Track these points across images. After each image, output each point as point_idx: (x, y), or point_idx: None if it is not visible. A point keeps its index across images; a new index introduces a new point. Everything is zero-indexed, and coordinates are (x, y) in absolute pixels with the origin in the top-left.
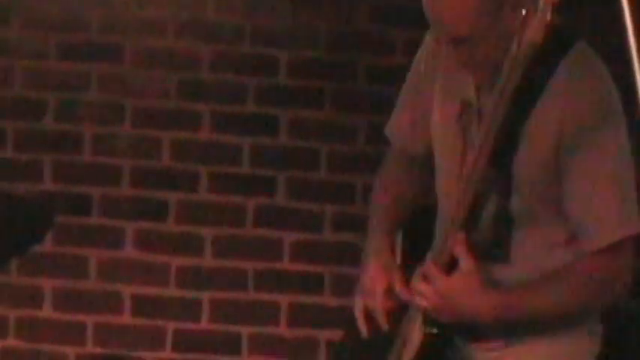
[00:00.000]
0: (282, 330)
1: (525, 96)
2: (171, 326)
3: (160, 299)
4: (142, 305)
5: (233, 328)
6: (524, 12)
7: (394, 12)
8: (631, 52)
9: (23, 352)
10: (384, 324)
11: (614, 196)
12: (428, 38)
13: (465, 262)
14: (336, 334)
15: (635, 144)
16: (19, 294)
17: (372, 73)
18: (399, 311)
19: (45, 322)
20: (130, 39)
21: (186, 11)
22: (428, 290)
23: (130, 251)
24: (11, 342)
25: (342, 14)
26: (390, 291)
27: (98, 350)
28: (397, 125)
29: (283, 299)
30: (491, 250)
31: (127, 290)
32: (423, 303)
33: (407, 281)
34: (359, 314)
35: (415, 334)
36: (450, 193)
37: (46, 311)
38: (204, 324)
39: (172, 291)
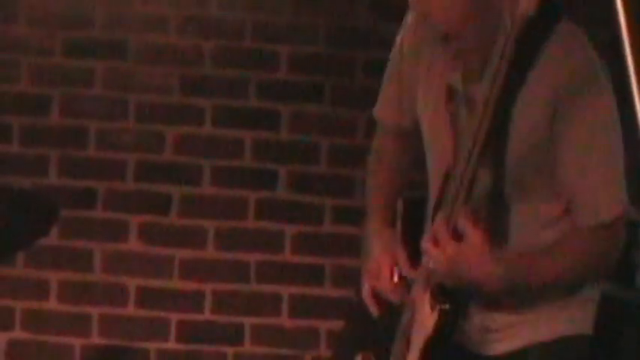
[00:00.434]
0: (284, 321)
1: (515, 72)
2: (174, 317)
3: (163, 291)
4: (146, 297)
5: (235, 319)
6: None
7: (392, 8)
8: (624, 45)
9: (29, 343)
10: (395, 299)
11: (608, 173)
12: (409, 18)
13: (473, 233)
14: (336, 325)
15: (625, 134)
16: (25, 286)
17: (371, 68)
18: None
19: (51, 314)
20: (133, 35)
21: (188, 8)
22: (439, 254)
23: (134, 244)
24: (17, 334)
25: (342, 10)
26: (394, 270)
27: (103, 341)
28: (384, 104)
29: (285, 290)
30: (486, 227)
31: (132, 282)
32: (430, 265)
33: (410, 258)
34: (367, 296)
35: (425, 312)
36: (441, 172)
37: (52, 303)
38: (207, 315)
39: (176, 283)
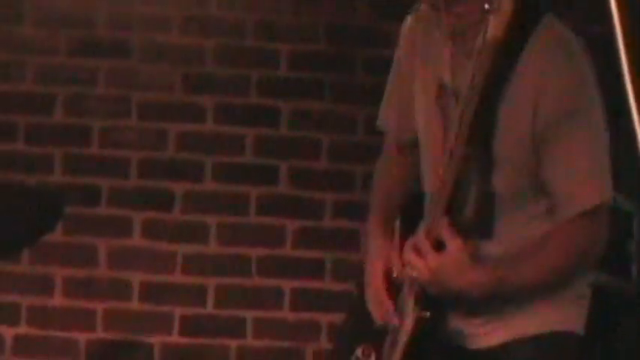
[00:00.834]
0: (286, 314)
1: (499, 72)
2: (178, 311)
3: (167, 286)
4: (149, 292)
5: (238, 313)
6: (486, 6)
7: (392, 6)
8: (617, 42)
9: (35, 338)
10: (389, 313)
11: (589, 164)
12: (405, 25)
13: (452, 243)
14: (337, 318)
15: (621, 127)
16: (31, 282)
17: (371, 65)
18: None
19: (56, 309)
20: (136, 35)
21: (190, 7)
22: (419, 263)
23: (137, 240)
24: (23, 329)
25: (342, 9)
26: (389, 276)
27: (108, 336)
28: (386, 117)
29: (286, 284)
30: (475, 227)
31: (136, 277)
32: (413, 274)
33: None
34: (369, 306)
35: (408, 315)
36: (434, 172)
37: (57, 299)
38: (210, 309)
39: (179, 278)
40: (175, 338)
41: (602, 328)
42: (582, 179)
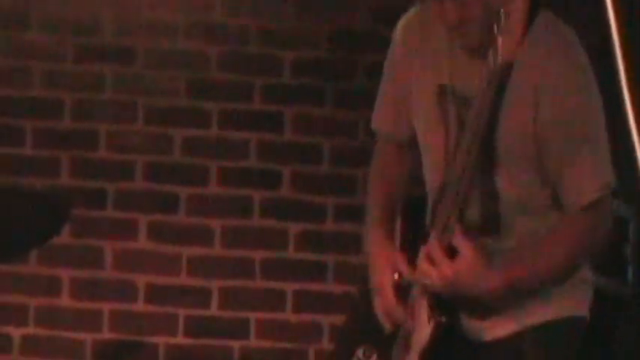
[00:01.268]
0: (288, 315)
1: (499, 73)
2: (182, 313)
3: (172, 287)
4: (155, 293)
5: (241, 314)
6: (495, 29)
7: (392, 14)
8: (614, 47)
9: (42, 338)
10: (399, 319)
11: (590, 157)
12: (399, 26)
13: (466, 250)
14: (338, 319)
15: (617, 130)
16: (39, 283)
17: (371, 71)
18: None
19: (63, 310)
20: (141, 41)
21: (195, 14)
22: (433, 273)
23: (143, 242)
24: (31, 329)
25: (343, 16)
26: (396, 278)
27: (114, 336)
28: (381, 116)
29: (289, 286)
30: (482, 224)
31: (141, 279)
32: (427, 282)
33: (410, 261)
34: (379, 314)
35: (423, 321)
36: (437, 173)
37: (64, 300)
38: (214, 310)
39: (184, 279)
40: (180, 339)
41: (600, 330)
42: (586, 173)
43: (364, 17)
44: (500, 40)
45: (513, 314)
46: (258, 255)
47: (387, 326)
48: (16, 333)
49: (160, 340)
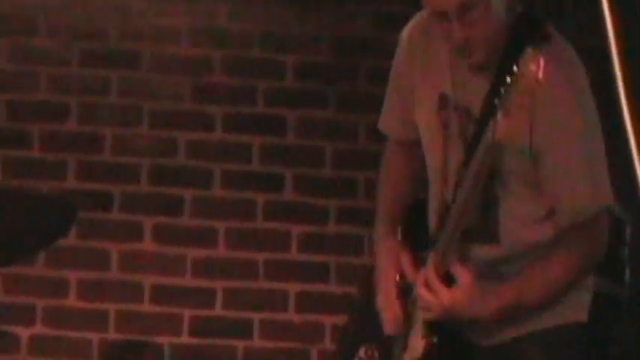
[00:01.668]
0: (291, 316)
1: (497, 83)
2: (187, 313)
3: (177, 288)
4: (160, 294)
5: (245, 315)
6: (515, 68)
7: (392, 19)
8: (612, 53)
9: (50, 338)
10: (399, 318)
11: (585, 174)
12: (403, 35)
13: (463, 279)
14: (340, 319)
15: (614, 139)
16: (46, 284)
17: (373, 75)
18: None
19: (70, 310)
20: (146, 46)
21: (199, 20)
22: (432, 301)
23: (148, 244)
24: (39, 329)
25: (345, 21)
26: (397, 279)
27: (120, 336)
28: (388, 119)
29: (291, 287)
30: (480, 232)
31: (147, 280)
32: (427, 311)
33: (415, 263)
34: (382, 314)
35: (418, 333)
36: (436, 176)
37: (71, 300)
38: (218, 311)
39: (188, 280)
40: (185, 339)
41: (597, 330)
42: (581, 188)
43: (365, 23)
44: (500, 117)
45: (512, 320)
46: (262, 256)
47: (387, 328)
48: (24, 333)
49: (165, 340)
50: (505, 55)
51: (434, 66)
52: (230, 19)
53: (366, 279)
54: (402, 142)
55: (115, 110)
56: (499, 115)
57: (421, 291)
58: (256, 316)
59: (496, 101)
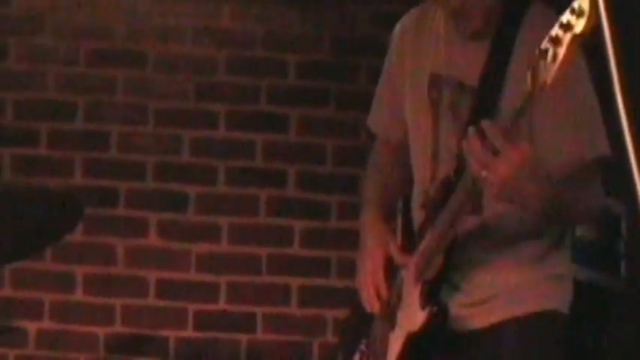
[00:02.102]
0: (293, 310)
1: (494, 52)
2: (192, 307)
3: (181, 283)
4: (165, 289)
5: (248, 309)
6: (542, 47)
7: (392, 18)
8: (607, 52)
9: (57, 332)
10: (383, 294)
11: (590, 124)
12: (395, 30)
13: (523, 143)
14: (341, 313)
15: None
16: (53, 279)
17: (373, 74)
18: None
19: (77, 305)
20: (152, 46)
21: (203, 20)
22: (494, 161)
23: (153, 239)
24: (46, 323)
25: (346, 21)
26: (388, 260)
27: (126, 330)
28: (377, 117)
29: (294, 282)
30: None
31: (152, 275)
32: (482, 175)
33: (402, 247)
34: (364, 294)
35: (414, 307)
36: (423, 165)
37: (78, 295)
38: (222, 305)
39: (193, 275)
40: (189, 333)
41: (593, 324)
42: (592, 130)
43: (366, 22)
44: (541, 64)
45: (490, 306)
46: (265, 251)
47: (369, 306)
48: (31, 327)
49: (170, 334)
50: (502, 24)
51: (426, 47)
52: (233, 19)
53: None
54: (390, 142)
55: (121, 109)
56: (541, 63)
57: (473, 146)
58: (259, 310)
59: (542, 46)
